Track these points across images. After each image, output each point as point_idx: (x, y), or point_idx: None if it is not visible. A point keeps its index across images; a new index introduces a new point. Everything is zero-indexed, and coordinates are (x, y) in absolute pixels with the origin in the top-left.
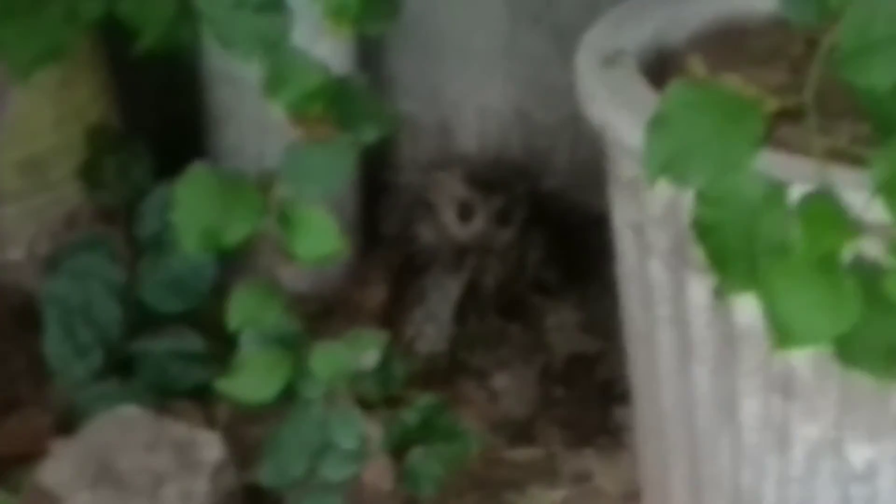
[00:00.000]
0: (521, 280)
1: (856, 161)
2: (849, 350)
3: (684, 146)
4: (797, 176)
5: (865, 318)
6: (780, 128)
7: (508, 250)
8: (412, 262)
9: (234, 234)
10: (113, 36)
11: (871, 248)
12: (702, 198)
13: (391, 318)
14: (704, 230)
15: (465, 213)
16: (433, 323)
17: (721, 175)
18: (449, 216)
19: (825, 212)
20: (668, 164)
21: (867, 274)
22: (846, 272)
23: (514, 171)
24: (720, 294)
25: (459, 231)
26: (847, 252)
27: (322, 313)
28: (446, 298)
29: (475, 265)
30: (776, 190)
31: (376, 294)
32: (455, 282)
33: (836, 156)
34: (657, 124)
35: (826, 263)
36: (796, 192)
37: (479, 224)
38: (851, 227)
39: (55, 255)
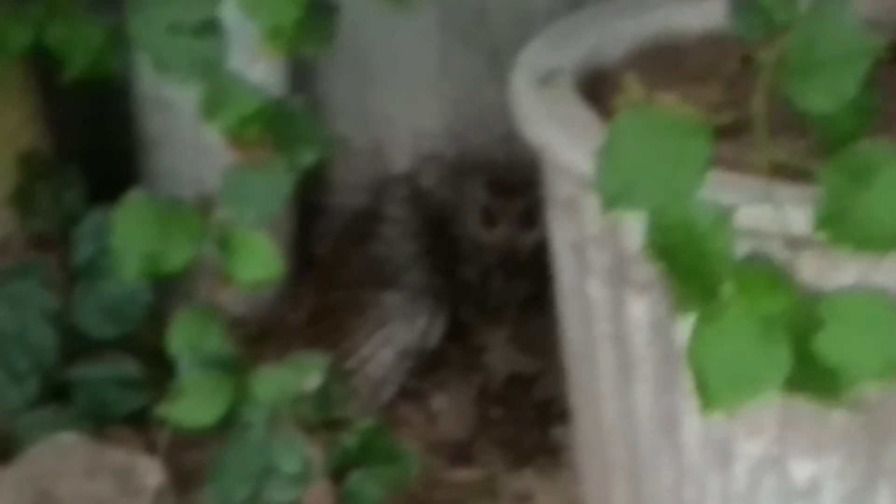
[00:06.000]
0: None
1: (797, 175)
2: (788, 388)
3: (635, 174)
4: (741, 193)
5: (800, 366)
6: (718, 145)
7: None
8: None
9: (175, 260)
10: (43, 61)
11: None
12: (653, 223)
13: (325, 337)
14: (658, 254)
15: (488, 219)
16: (390, 349)
17: (672, 200)
18: (474, 223)
19: (762, 276)
20: (621, 193)
21: (801, 328)
22: (781, 332)
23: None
24: (680, 311)
25: (486, 237)
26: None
27: (258, 336)
28: (412, 329)
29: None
30: (723, 214)
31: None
32: (423, 316)
33: (778, 171)
34: (606, 153)
35: (760, 327)
36: (743, 214)
37: (503, 228)
38: (790, 289)
39: None
